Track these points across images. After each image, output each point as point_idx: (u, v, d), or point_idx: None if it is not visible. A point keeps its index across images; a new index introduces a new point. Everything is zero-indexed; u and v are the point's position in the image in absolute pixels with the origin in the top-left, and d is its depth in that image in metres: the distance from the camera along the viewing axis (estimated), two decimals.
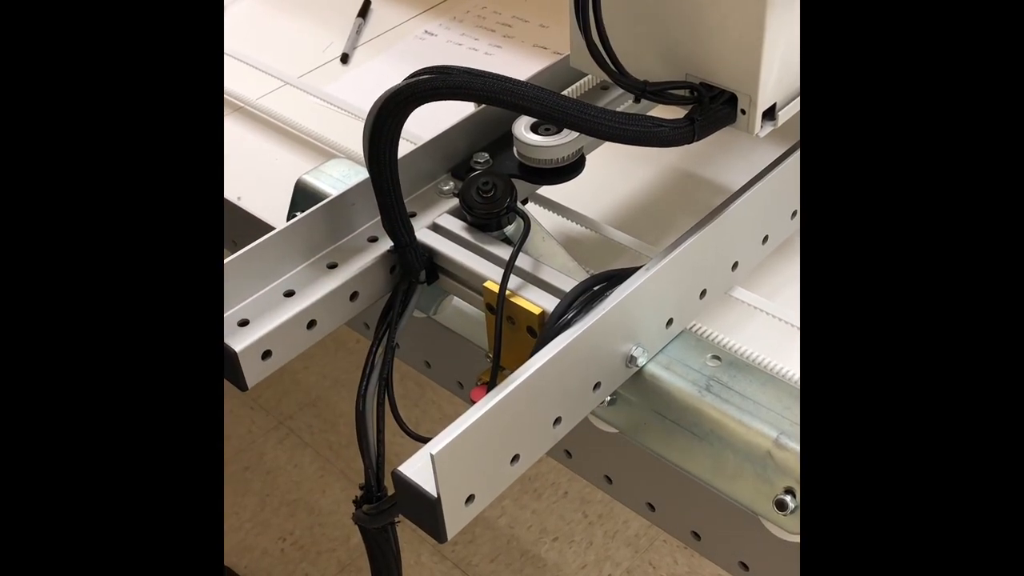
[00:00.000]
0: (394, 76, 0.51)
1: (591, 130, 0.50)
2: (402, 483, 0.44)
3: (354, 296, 0.56)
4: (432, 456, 0.42)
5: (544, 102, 0.49)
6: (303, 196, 0.65)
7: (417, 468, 0.44)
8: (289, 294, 0.55)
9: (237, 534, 1.43)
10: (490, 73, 0.49)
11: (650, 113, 0.55)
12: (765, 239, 0.58)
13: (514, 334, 0.53)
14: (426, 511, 0.43)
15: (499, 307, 0.52)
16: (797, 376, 0.54)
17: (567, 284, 0.53)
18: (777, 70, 0.51)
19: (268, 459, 1.54)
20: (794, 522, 0.48)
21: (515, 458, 0.47)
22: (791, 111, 0.54)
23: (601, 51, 0.51)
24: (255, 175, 0.75)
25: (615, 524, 1.40)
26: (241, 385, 0.52)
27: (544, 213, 0.64)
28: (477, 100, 0.51)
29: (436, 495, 0.43)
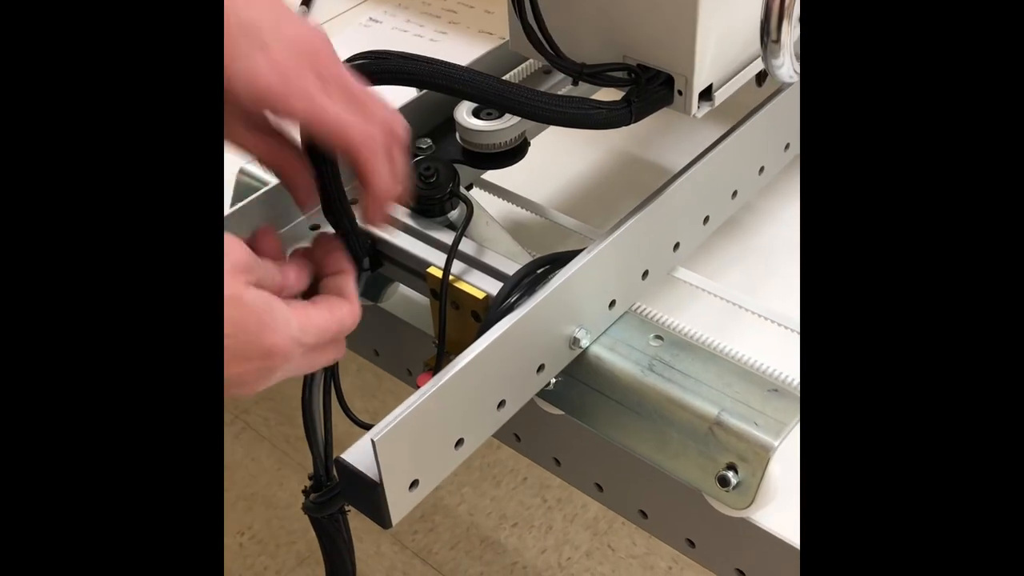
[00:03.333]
0: None
1: (528, 113, 0.50)
2: (345, 470, 0.44)
3: None
4: (373, 441, 0.42)
5: (479, 85, 0.49)
6: (245, 185, 0.64)
7: (359, 454, 0.44)
8: None
9: None
10: (425, 57, 0.49)
11: (596, 96, 0.55)
12: (706, 219, 0.58)
13: (459, 319, 0.53)
14: (369, 497, 0.43)
15: (442, 292, 0.52)
16: (738, 354, 0.54)
17: (511, 268, 0.53)
18: (712, 50, 0.51)
19: (225, 454, 1.53)
20: (736, 498, 0.48)
21: (459, 442, 0.47)
22: (728, 91, 0.54)
23: (537, 34, 0.51)
24: None
25: (574, 508, 1.40)
26: None
27: (489, 198, 0.64)
28: (412, 84, 0.50)
29: (378, 481, 0.42)
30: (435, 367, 0.53)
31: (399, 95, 0.58)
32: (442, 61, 0.49)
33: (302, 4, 0.92)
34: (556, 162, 0.71)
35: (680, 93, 0.52)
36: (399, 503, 0.44)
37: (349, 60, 0.49)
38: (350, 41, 0.89)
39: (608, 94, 0.53)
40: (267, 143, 0.46)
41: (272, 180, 0.61)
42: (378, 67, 0.48)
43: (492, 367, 0.47)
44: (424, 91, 0.61)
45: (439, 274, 0.52)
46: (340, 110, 0.42)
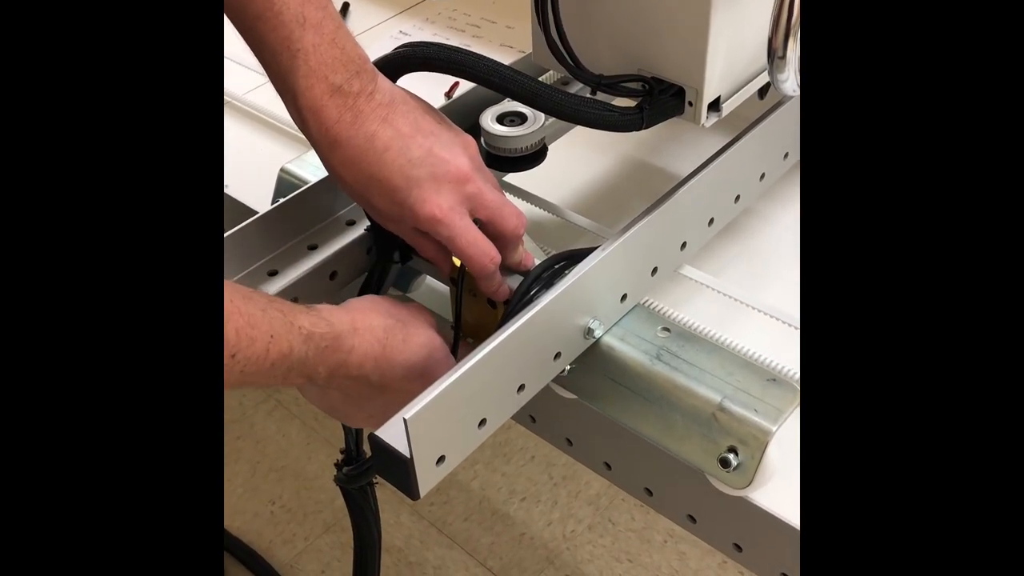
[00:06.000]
0: None
1: (551, 109, 0.50)
2: (378, 446, 0.44)
3: (333, 275, 0.56)
4: (405, 420, 0.42)
5: (503, 75, 0.49)
6: (286, 183, 0.64)
7: (392, 431, 0.43)
8: (272, 273, 0.54)
9: (230, 499, 1.42)
10: (458, 48, 0.50)
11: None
12: (711, 221, 0.58)
13: (476, 305, 0.53)
14: (400, 471, 0.43)
15: (460, 279, 0.52)
16: (739, 346, 0.54)
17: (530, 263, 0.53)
18: (721, 66, 0.51)
19: (258, 429, 1.53)
20: (736, 478, 0.48)
21: (482, 422, 0.47)
22: (735, 103, 0.54)
23: (559, 47, 0.50)
24: (243, 165, 0.74)
25: (578, 485, 1.40)
26: None
27: (511, 199, 0.63)
28: (443, 71, 0.51)
29: (409, 456, 0.42)
30: (453, 348, 0.53)
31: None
32: (473, 53, 0.50)
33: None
34: (573, 167, 0.71)
35: (691, 104, 0.52)
36: (427, 477, 0.44)
37: (404, 46, 0.52)
38: (381, 52, 0.89)
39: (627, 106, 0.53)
40: (425, 241, 0.52)
41: (311, 179, 0.61)
42: (414, 53, 0.51)
43: (513, 354, 0.47)
44: (452, 98, 0.61)
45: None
46: (477, 236, 0.50)
